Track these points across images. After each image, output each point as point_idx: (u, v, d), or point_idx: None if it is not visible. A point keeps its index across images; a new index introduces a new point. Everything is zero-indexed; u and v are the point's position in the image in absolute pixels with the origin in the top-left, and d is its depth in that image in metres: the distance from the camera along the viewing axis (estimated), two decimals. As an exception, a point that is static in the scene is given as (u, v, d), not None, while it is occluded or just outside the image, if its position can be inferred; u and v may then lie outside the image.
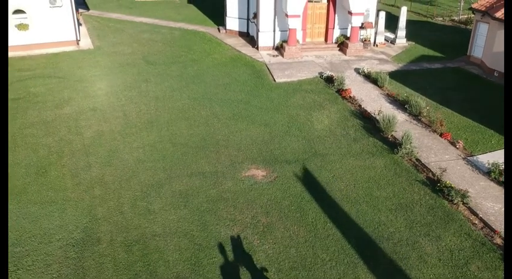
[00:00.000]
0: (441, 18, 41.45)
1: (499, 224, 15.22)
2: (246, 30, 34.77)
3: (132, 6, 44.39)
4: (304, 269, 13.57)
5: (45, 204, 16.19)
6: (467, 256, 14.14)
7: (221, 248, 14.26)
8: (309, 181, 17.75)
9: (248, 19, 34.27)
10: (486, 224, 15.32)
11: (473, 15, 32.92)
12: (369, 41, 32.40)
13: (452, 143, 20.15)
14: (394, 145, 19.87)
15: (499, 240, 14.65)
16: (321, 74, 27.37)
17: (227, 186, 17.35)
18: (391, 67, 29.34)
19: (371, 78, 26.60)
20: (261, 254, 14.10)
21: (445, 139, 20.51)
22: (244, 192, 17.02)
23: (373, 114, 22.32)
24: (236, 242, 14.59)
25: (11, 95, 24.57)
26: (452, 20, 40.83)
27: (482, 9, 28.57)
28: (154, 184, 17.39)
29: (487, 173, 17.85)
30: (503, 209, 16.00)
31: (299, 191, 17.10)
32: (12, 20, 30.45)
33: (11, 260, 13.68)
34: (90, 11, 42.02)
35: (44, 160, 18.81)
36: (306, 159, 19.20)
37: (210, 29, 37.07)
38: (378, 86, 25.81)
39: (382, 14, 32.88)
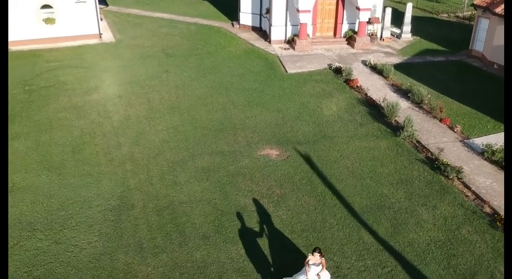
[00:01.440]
0: (446, 15, 43.01)
1: (489, 196, 16.98)
2: (258, 25, 36.57)
3: (149, 2, 46.28)
4: (314, 231, 15.42)
5: (83, 177, 18.15)
6: (459, 222, 15.92)
7: (241, 214, 16.13)
8: (318, 159, 19.57)
9: (261, 14, 36.05)
10: (478, 196, 17.09)
11: (476, 12, 34.45)
12: (376, 35, 34.10)
13: (451, 128, 21.88)
14: (396, 129, 21.64)
15: (488, 209, 16.41)
16: (330, 66, 29.16)
17: (244, 163, 19.22)
18: (396, 59, 31.05)
19: (377, 70, 28.35)
20: (276, 219, 15.96)
21: (444, 124, 22.24)
22: (260, 168, 18.88)
23: (378, 102, 24.08)
24: (254, 209, 16.46)
25: (42, 83, 26.58)
26: (457, 16, 42.39)
27: (483, 5, 30.18)
28: (179, 161, 19.30)
29: (481, 153, 19.59)
30: (494, 183, 17.76)
31: (309, 168, 18.94)
32: (40, 14, 32.46)
33: (56, 221, 15.63)
34: (109, 7, 43.96)
35: (78, 140, 20.78)
36: (316, 141, 21.03)
37: (224, 24, 38.88)
38: (383, 77, 27.55)
39: (389, 10, 34.56)
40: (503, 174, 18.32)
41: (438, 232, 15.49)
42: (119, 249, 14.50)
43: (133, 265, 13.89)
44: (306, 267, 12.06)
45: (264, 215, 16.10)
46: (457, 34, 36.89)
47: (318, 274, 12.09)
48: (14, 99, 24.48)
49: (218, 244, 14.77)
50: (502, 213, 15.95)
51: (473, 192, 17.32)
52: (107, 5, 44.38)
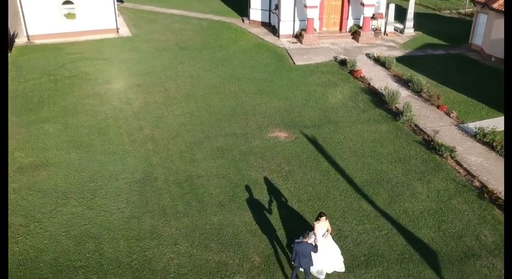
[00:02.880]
0: (448, 11, 44.55)
1: (479, 172, 18.64)
2: (268, 21, 38.31)
3: (162, -1, 48.19)
4: (318, 200, 17.17)
5: (109, 154, 20.00)
6: (451, 194, 17.59)
7: (253, 186, 17.89)
8: (323, 141, 21.30)
9: (270, 10, 37.77)
10: (468, 172, 18.75)
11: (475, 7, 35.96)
12: (380, 30, 35.74)
13: (447, 114, 23.53)
14: (396, 115, 23.31)
15: (477, 183, 18.07)
16: (335, 58, 30.87)
17: (255, 143, 20.98)
18: (398, 53, 32.69)
19: (380, 62, 30.02)
20: (284, 191, 17.71)
21: (441, 110, 23.89)
22: (269, 148, 20.64)
23: (380, 90, 25.75)
24: (264, 182, 18.22)
25: (66, 73, 28.48)
26: (459, 13, 43.91)
27: (482, 1, 31.74)
28: (196, 142, 21.10)
29: (474, 136, 21.23)
30: (484, 162, 19.42)
31: (315, 148, 20.67)
32: (62, 9, 34.39)
33: (88, 191, 17.47)
34: (125, 4, 45.85)
35: (103, 123, 22.63)
36: (321, 125, 22.75)
37: (235, 20, 40.64)
38: (386, 68, 29.22)
39: (392, 6, 36.19)
40: (493, 153, 19.99)
41: (431, 202, 17.17)
42: (145, 214, 16.32)
43: (158, 227, 15.70)
44: (315, 231, 13.60)
45: (273, 188, 17.85)
46: (458, 29, 38.42)
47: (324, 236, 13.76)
48: (42, 87, 26.38)
49: (233, 211, 16.55)
50: (490, 186, 17.63)
51: (465, 169, 18.98)
52: (122, 1, 46.26)
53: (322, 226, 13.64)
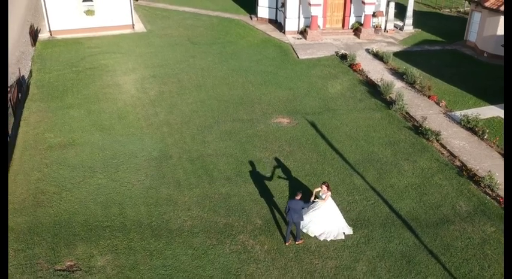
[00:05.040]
0: (448, 10, 46.46)
1: (460, 153, 20.74)
2: (274, 18, 40.47)
3: (174, -3, 50.52)
4: (315, 175, 19.38)
5: (129, 136, 22.34)
6: (434, 172, 19.72)
7: (257, 164, 20.13)
8: (322, 126, 23.47)
9: (277, 8, 39.95)
10: (451, 154, 20.87)
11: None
12: (380, 27, 37.79)
13: (437, 103, 25.60)
14: (390, 104, 25.41)
15: (458, 163, 20.18)
16: (336, 53, 33.00)
17: (260, 128, 23.21)
18: (396, 48, 34.75)
19: (378, 56, 32.11)
20: (284, 168, 19.93)
21: (431, 100, 25.97)
22: (273, 132, 22.86)
23: (376, 82, 27.86)
24: (267, 160, 20.45)
25: (87, 65, 30.89)
26: (458, 11, 45.77)
27: (476, 0, 33.69)
28: (207, 126, 23.37)
29: (459, 122, 23.30)
30: (466, 145, 21.52)
31: (314, 132, 22.86)
32: (82, 7, 36.81)
33: (111, 166, 19.80)
34: (139, 1, 48.17)
35: (122, 109, 24.98)
36: (321, 112, 24.93)
37: (243, 17, 42.83)
38: (384, 62, 31.31)
39: (392, 4, 38.19)
40: (475, 138, 22.07)
41: (415, 178, 19.32)
42: (162, 185, 18.63)
43: (174, 196, 18.01)
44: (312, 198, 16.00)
45: (275, 165, 20.09)
46: (456, 27, 40.26)
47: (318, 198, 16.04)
48: (65, 78, 28.80)
49: (239, 183, 18.83)
50: (469, 165, 19.73)
51: (448, 151, 21.10)
52: (136, -1, 48.60)
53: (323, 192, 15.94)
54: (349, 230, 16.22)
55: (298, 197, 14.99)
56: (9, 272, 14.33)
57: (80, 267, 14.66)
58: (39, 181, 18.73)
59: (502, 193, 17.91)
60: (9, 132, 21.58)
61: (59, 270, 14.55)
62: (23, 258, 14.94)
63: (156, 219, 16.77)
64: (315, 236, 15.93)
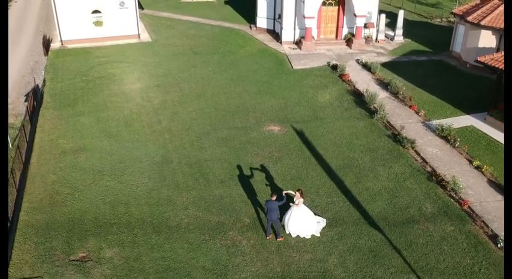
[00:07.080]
0: (439, 19, 48.61)
1: (432, 160, 23.01)
2: (272, 28, 42.80)
3: (178, 6, 52.93)
4: (299, 179, 21.73)
5: (134, 142, 24.77)
6: (406, 177, 22.01)
7: (248, 168, 22.49)
8: (309, 134, 25.79)
9: (274, 19, 42.30)
10: (424, 160, 23.15)
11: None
12: (371, 38, 40.04)
13: (417, 113, 27.86)
14: (373, 113, 27.69)
15: (429, 168, 22.46)
16: (328, 63, 35.31)
17: (253, 135, 25.57)
18: (385, 58, 37.01)
19: (367, 67, 34.38)
20: (273, 172, 22.29)
21: (412, 110, 28.23)
22: (264, 139, 25.22)
23: (363, 92, 30.14)
24: (258, 165, 22.80)
25: (96, 74, 33.39)
26: (449, 21, 47.88)
27: (460, 14, 35.88)
28: (205, 133, 25.76)
29: (434, 131, 25.57)
30: (438, 152, 23.79)
31: (302, 139, 25.20)
32: (91, 18, 39.32)
33: (118, 170, 22.23)
34: (145, 10, 50.70)
35: (129, 117, 27.42)
36: (309, 121, 27.26)
37: (243, 27, 45.20)
38: (371, 72, 33.58)
39: (383, 16, 40.43)
40: (448, 145, 24.31)
41: (389, 182, 21.63)
42: (163, 187, 21.05)
43: (173, 196, 20.42)
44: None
45: (264, 170, 22.44)
46: (444, 37, 42.31)
47: (293, 203, 18.36)
48: (76, 86, 31.31)
49: (231, 186, 21.21)
50: (438, 171, 21.98)
51: (422, 157, 23.37)
52: (142, 8, 51.08)
53: (296, 197, 18.27)
54: (323, 223, 18.54)
55: (274, 198, 17.38)
56: (31, 261, 16.80)
57: (91, 258, 17.09)
58: (55, 183, 21.19)
59: (464, 196, 20.21)
60: (27, 137, 24.08)
61: (73, 260, 16.99)
62: (42, 250, 17.39)
63: (157, 217, 19.18)
64: (289, 232, 18.25)
